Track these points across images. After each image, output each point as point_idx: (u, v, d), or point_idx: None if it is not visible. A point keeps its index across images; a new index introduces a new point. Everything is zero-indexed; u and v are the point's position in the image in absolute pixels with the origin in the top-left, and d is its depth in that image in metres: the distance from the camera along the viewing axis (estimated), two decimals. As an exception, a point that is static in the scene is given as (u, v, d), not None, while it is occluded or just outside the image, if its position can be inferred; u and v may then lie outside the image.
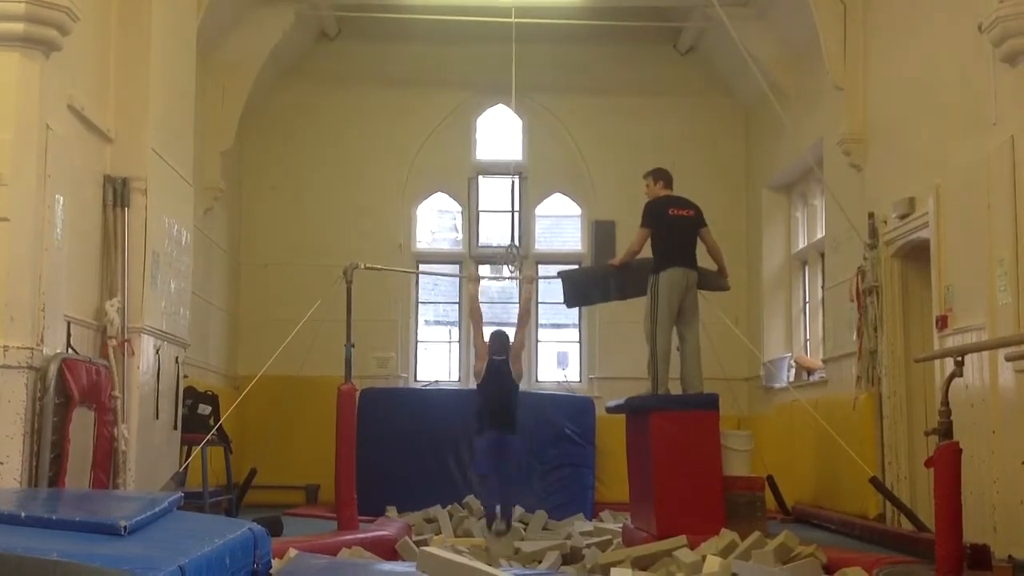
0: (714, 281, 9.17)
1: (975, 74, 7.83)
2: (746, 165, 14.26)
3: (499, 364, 9.89)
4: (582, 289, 9.74)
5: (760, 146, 13.78)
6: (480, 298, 10.85)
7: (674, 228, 8.79)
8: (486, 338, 10.10)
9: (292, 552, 6.20)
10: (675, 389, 8.88)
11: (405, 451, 11.65)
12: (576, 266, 13.30)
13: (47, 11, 6.64)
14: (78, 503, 4.73)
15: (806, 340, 13.00)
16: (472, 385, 13.77)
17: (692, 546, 7.29)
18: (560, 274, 10.15)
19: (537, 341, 14.34)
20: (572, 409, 12.26)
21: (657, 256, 8.78)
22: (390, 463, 11.42)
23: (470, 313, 10.72)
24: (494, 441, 9.78)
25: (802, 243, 13.18)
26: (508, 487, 9.88)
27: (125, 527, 3.26)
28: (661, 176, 9.11)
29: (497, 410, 9.77)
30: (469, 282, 10.64)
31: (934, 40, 8.77)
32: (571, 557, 8.37)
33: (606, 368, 13.74)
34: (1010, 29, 7.07)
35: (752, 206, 14.01)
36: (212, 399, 10.24)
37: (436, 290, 14.95)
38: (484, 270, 14.39)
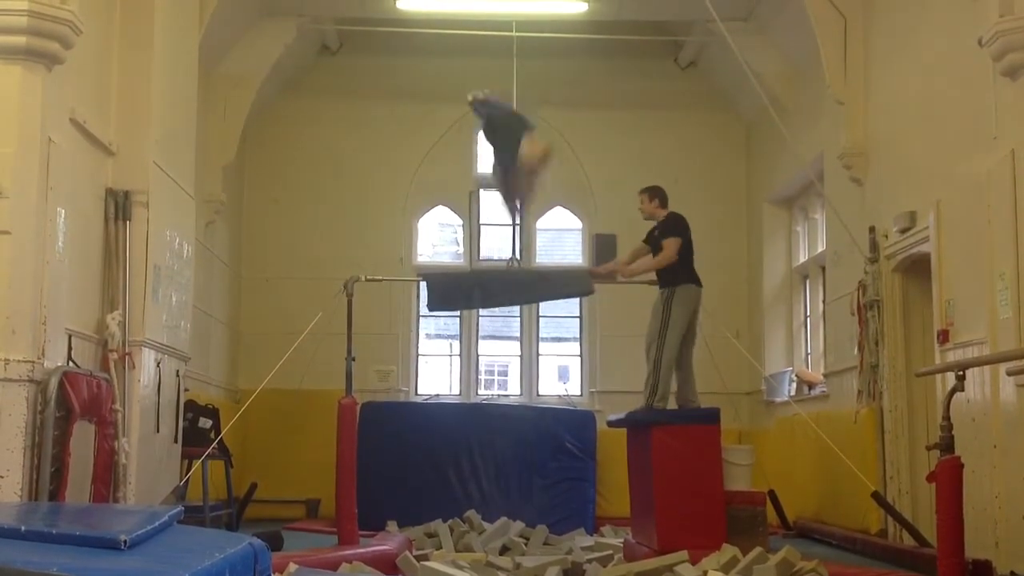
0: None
1: (975, 88, 7.85)
2: (747, 179, 14.27)
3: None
4: (447, 294, 9.59)
5: (761, 160, 13.79)
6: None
7: (691, 243, 8.74)
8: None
9: (292, 567, 6.19)
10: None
11: (406, 465, 11.62)
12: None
13: (50, 24, 6.66)
14: (78, 517, 4.71)
15: (807, 354, 13.00)
16: (472, 399, 13.82)
17: (693, 561, 7.26)
18: (426, 277, 10.13)
19: (538, 355, 14.33)
20: (573, 423, 12.23)
21: (679, 269, 8.63)
22: (391, 477, 11.39)
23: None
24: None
25: (803, 257, 13.18)
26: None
27: (125, 541, 3.25)
28: (660, 194, 9.01)
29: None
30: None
31: (934, 54, 8.79)
32: (572, 572, 8.34)
33: (607, 382, 13.72)
34: (1010, 43, 7.08)
35: (753, 220, 14.02)
36: (213, 413, 10.24)
37: (437, 303, 14.94)
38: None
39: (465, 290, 9.51)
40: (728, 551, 7.23)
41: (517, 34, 12.27)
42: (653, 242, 8.81)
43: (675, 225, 8.74)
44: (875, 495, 9.10)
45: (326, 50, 14.15)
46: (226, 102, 12.00)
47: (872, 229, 9.90)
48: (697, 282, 8.62)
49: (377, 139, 14.06)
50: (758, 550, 7.22)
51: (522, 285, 9.90)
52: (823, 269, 12.06)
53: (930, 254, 8.66)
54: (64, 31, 6.75)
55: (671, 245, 8.59)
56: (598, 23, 13.04)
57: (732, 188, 14.25)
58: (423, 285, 14.07)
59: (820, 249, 12.33)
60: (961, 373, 6.27)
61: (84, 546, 3.27)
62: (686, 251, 8.66)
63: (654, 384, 8.51)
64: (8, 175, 6.51)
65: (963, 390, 6.33)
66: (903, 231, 9.29)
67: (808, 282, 13.12)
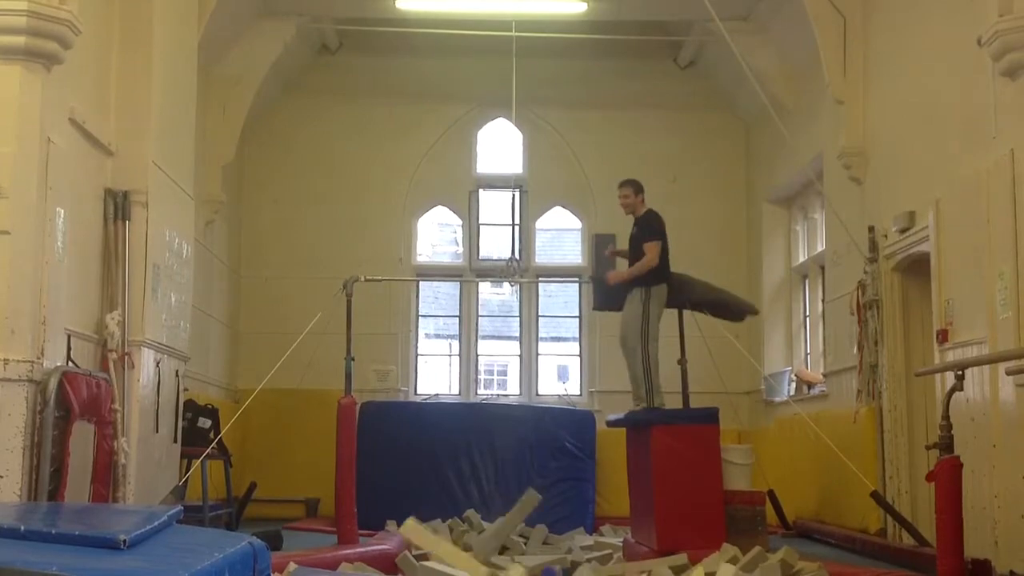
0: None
1: (975, 88, 7.85)
2: (746, 178, 14.27)
3: None
4: (613, 294, 9.42)
5: (760, 160, 13.79)
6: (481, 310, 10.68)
7: (667, 243, 8.72)
8: None
9: (292, 566, 6.18)
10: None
11: (405, 465, 11.62)
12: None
13: (49, 24, 6.66)
14: (78, 517, 4.70)
15: (806, 354, 13.00)
16: (472, 399, 13.80)
17: (693, 561, 7.26)
18: (592, 278, 9.91)
19: (537, 355, 14.33)
20: (572, 423, 12.22)
21: (656, 269, 8.64)
22: (390, 477, 11.39)
23: None
24: None
25: (802, 257, 13.18)
26: None
27: (125, 541, 3.25)
28: (641, 189, 8.97)
29: None
30: None
31: (934, 54, 8.79)
32: (572, 571, 8.33)
33: (607, 382, 13.71)
34: (1009, 43, 7.08)
35: (752, 219, 14.02)
36: (212, 412, 10.24)
37: (436, 303, 14.96)
38: (484, 285, 14.39)
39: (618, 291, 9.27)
40: (728, 551, 7.23)
41: (516, 34, 12.26)
42: (634, 243, 8.77)
43: (654, 226, 8.70)
44: (874, 495, 9.10)
45: (325, 50, 14.15)
46: (225, 101, 12.01)
47: (871, 229, 9.90)
48: (668, 281, 8.63)
49: (376, 138, 14.06)
50: (757, 549, 7.23)
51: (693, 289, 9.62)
52: (822, 269, 12.05)
53: (929, 254, 8.65)
54: (63, 31, 6.75)
55: (652, 249, 8.55)
56: (598, 23, 13.04)
57: (731, 188, 14.25)
58: (419, 285, 14.12)
59: (819, 249, 12.32)
60: (960, 373, 6.28)
61: (83, 546, 3.27)
62: (663, 251, 8.67)
63: (647, 385, 8.50)
64: (7, 175, 6.51)
65: (962, 390, 6.35)
66: (902, 231, 9.29)
67: (807, 282, 13.12)
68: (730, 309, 9.42)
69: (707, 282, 9.31)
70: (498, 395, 14.70)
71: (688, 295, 9.01)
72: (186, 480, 8.87)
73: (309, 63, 14.12)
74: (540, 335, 14.36)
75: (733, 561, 7.00)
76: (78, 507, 6.14)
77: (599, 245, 13.85)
